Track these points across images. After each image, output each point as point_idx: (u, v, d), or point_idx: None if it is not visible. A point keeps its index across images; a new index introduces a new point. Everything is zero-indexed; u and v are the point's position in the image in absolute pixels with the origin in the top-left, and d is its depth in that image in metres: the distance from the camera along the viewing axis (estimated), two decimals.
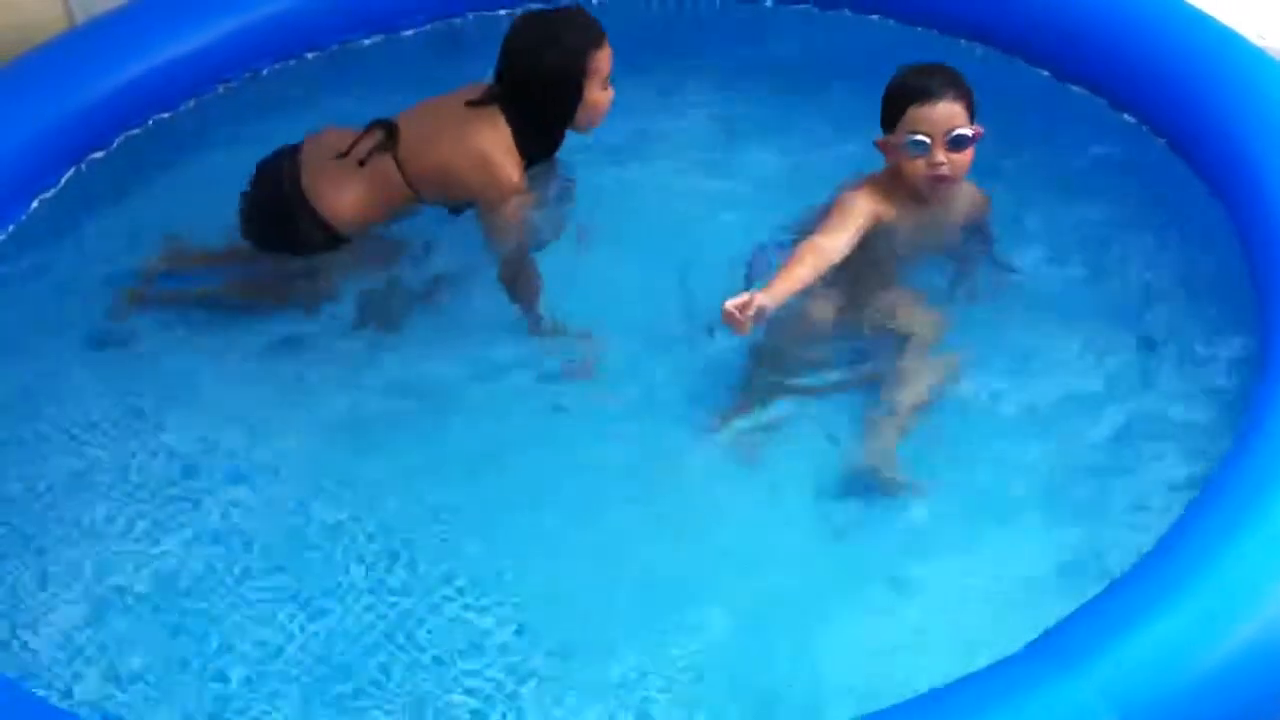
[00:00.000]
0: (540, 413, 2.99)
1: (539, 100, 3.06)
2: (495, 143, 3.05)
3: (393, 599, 2.63)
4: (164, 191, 3.55)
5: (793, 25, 3.97)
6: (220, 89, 3.79)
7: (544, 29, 3.06)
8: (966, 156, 2.93)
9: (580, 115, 3.10)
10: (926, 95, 2.89)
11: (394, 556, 2.70)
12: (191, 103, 3.74)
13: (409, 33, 4.00)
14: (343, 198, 3.08)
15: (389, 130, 3.08)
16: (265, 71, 3.85)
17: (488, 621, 2.57)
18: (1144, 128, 3.44)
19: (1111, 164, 3.42)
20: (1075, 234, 3.25)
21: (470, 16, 4.05)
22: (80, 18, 4.03)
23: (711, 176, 3.52)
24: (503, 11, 3.97)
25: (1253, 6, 4.02)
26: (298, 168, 3.09)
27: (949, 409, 2.90)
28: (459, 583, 2.64)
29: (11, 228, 3.42)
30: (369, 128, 3.10)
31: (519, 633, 2.55)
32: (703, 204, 3.42)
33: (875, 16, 3.89)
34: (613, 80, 3.10)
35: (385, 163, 3.07)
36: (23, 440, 2.98)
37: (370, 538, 2.74)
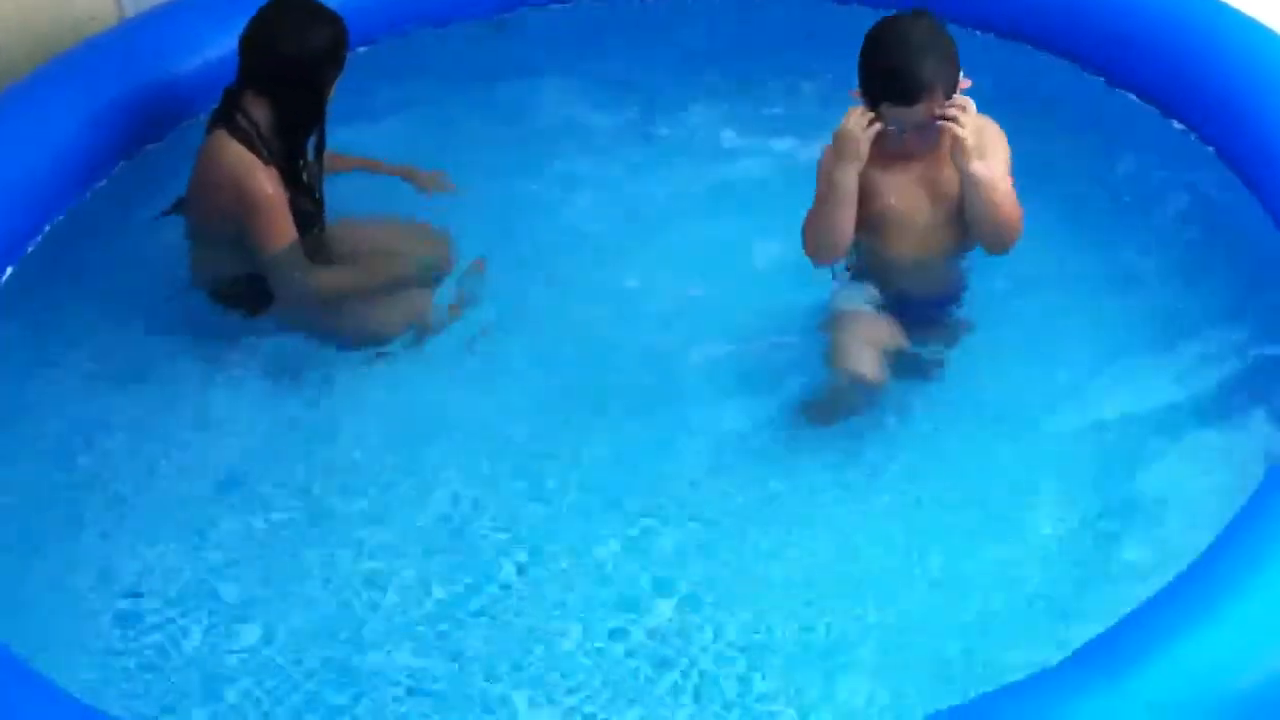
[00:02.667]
0: None
1: (287, 97, 3.10)
2: (240, 163, 3.07)
3: None
4: None
5: None
6: None
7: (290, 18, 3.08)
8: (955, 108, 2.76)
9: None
10: (903, 99, 2.72)
11: None
12: None
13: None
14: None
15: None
16: None
17: None
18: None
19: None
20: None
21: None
22: (131, 11, 4.07)
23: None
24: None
25: None
26: None
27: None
28: None
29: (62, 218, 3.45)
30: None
31: None
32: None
33: None
34: None
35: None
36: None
37: None
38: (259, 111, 3.06)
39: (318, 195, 3.22)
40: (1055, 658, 2.21)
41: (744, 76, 3.88)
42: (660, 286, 3.29)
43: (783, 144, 3.62)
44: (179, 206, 3.24)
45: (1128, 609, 2.24)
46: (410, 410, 3.08)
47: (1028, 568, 2.66)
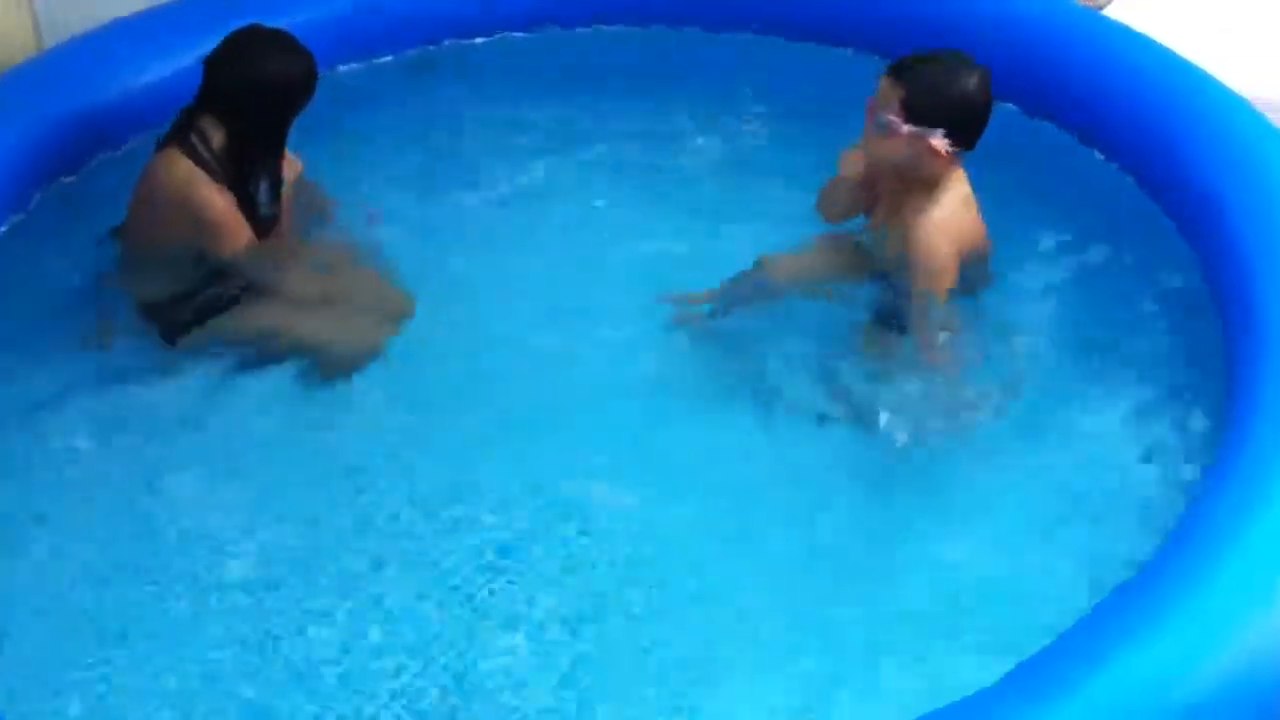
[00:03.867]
0: None
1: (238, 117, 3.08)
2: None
3: None
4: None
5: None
6: None
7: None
8: (886, 145, 2.88)
9: None
10: (886, 70, 2.87)
11: None
12: None
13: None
14: None
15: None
16: None
17: None
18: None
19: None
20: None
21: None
22: (49, 41, 4.01)
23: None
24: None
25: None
26: None
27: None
28: None
29: None
30: None
31: None
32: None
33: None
34: None
35: None
36: None
37: None
38: (215, 134, 3.03)
39: (266, 216, 3.17)
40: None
41: (668, 109, 3.92)
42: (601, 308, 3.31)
43: (717, 169, 3.72)
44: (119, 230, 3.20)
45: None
46: (337, 445, 3.03)
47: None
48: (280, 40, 3.04)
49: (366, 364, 3.16)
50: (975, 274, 3.03)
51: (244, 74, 2.99)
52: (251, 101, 3.01)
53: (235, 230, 3.07)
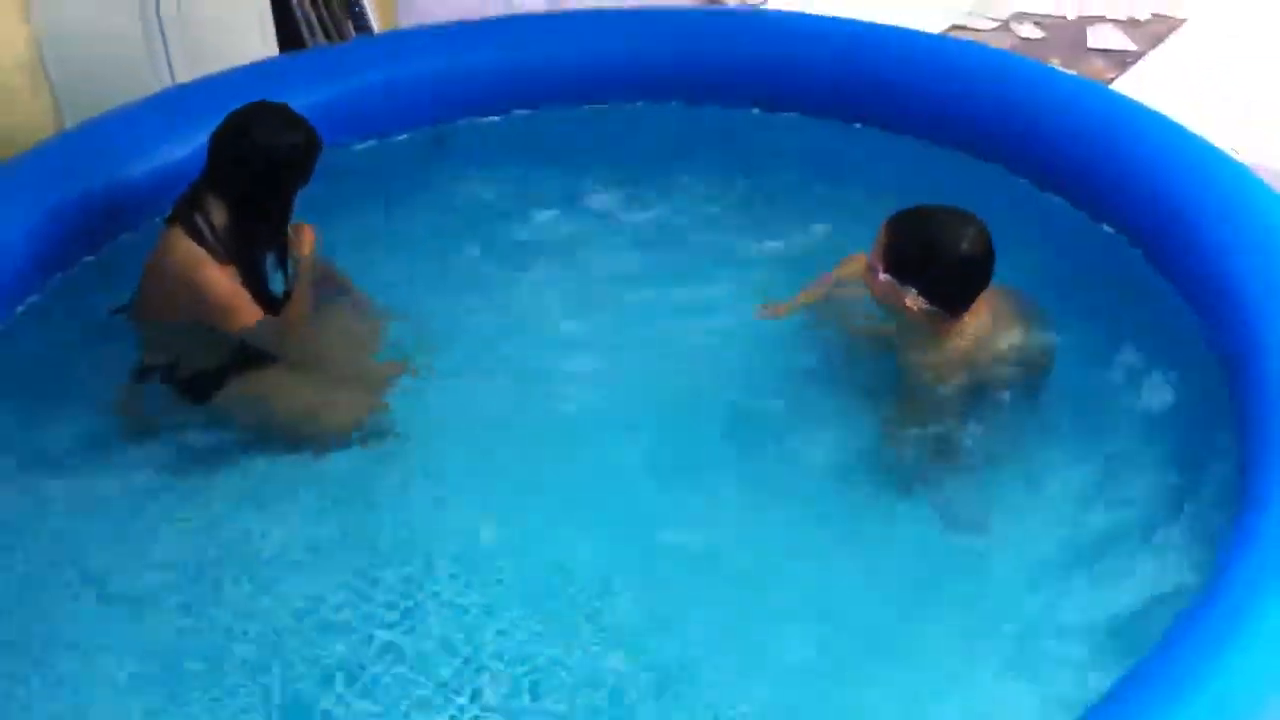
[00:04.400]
0: None
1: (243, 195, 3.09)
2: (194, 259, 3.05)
3: None
4: None
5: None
6: None
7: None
8: (874, 286, 2.93)
9: None
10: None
11: None
12: None
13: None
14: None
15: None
16: None
17: None
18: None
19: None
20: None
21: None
22: (69, 121, 4.07)
23: None
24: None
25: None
26: None
27: None
28: None
29: None
30: None
31: None
32: None
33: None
34: None
35: None
36: None
37: None
38: (218, 212, 3.04)
39: (275, 291, 3.18)
40: None
41: (671, 183, 3.96)
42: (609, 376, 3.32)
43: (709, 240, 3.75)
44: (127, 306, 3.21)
45: None
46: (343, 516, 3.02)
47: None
48: (280, 113, 3.05)
49: (350, 438, 3.15)
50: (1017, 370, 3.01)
51: (243, 147, 2.99)
52: (251, 175, 3.01)
53: (241, 309, 3.06)
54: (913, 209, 2.88)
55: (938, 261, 2.81)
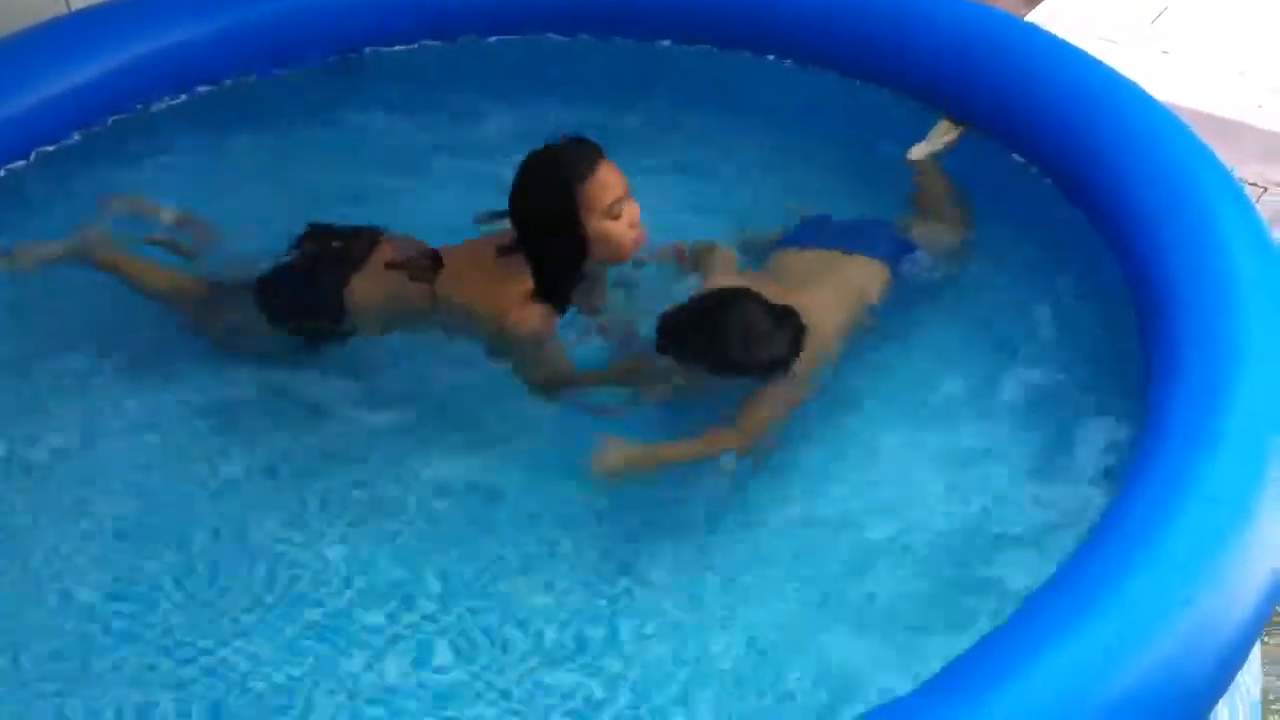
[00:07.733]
0: None
1: (540, 246, 2.90)
2: (511, 296, 2.91)
3: None
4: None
5: None
6: None
7: (530, 172, 2.90)
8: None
9: (596, 252, 2.91)
10: None
11: None
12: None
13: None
14: (372, 295, 3.05)
15: (436, 263, 3.01)
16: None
17: None
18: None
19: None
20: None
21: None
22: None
23: None
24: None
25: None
26: (360, 264, 3.06)
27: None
28: None
29: None
30: (418, 259, 3.02)
31: None
32: None
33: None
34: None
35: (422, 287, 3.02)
36: None
37: None
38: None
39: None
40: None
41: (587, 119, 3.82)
42: None
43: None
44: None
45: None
46: None
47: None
48: (543, 160, 2.90)
49: None
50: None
51: (530, 210, 2.89)
52: (545, 230, 2.89)
53: (538, 356, 2.99)
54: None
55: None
